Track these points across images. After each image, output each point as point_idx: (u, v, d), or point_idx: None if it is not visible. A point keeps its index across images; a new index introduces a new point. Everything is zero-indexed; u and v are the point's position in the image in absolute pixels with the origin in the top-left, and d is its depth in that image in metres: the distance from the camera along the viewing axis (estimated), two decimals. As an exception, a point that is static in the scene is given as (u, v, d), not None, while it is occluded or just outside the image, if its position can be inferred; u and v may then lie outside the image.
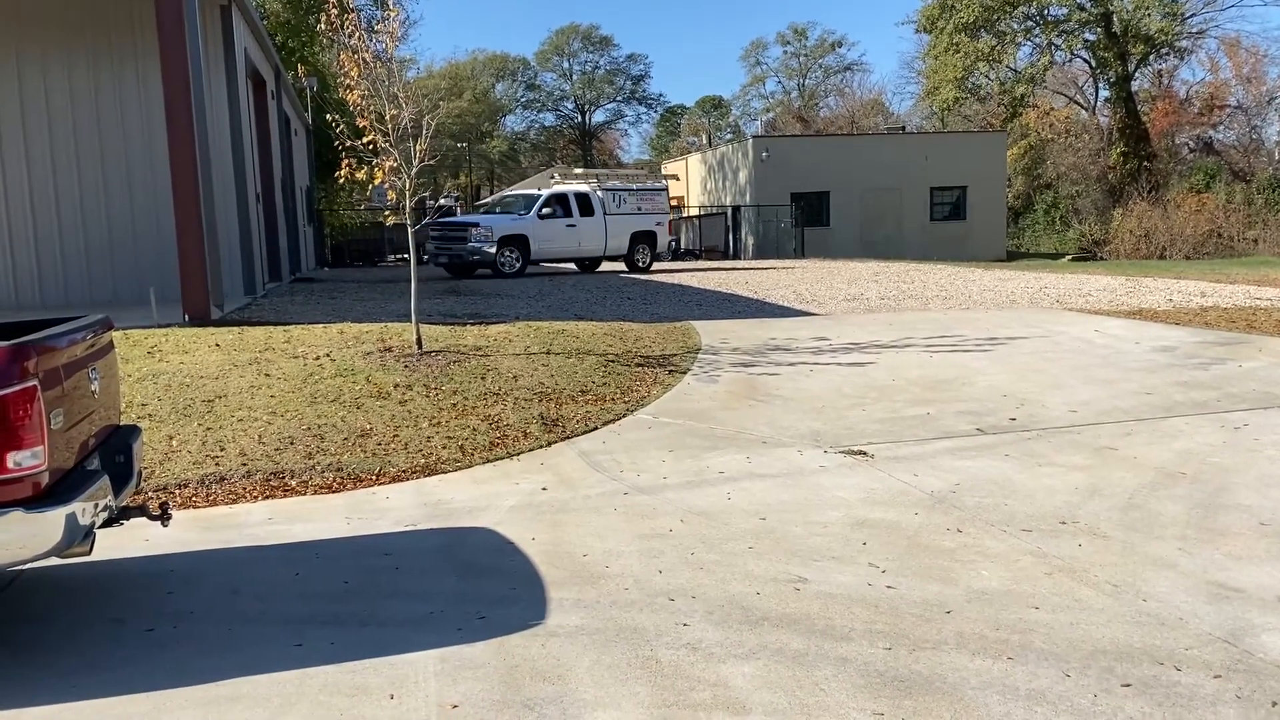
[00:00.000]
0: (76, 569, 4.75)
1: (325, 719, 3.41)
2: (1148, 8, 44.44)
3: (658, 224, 25.60)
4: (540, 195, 23.96)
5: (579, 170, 29.56)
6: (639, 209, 25.17)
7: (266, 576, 4.79)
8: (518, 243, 22.62)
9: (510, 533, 5.30)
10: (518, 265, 22.64)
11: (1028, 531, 5.15)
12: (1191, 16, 47.70)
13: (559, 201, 23.65)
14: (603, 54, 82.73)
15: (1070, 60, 51.92)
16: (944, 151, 40.34)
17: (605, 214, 24.25)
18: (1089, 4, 46.36)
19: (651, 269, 25.15)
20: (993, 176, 40.60)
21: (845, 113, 68.56)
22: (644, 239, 25.15)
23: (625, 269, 25.04)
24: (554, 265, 25.66)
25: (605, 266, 25.54)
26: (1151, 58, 48.10)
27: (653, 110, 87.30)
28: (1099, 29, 46.96)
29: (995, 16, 46.88)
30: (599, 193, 24.43)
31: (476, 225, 22.53)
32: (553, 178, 27.57)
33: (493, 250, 22.11)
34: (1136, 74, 48.67)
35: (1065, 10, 47.12)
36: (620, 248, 24.67)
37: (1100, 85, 52.18)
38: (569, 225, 23.61)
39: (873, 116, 64.85)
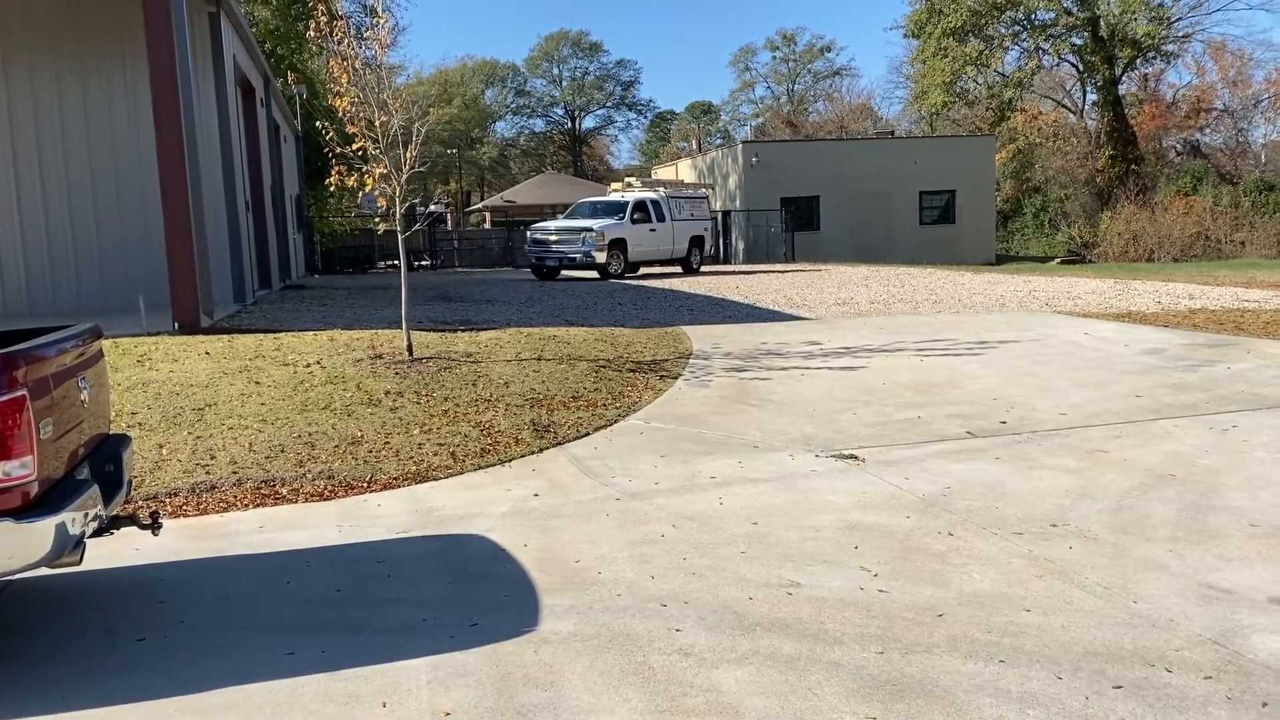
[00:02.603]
0: (67, 579, 4.73)
1: (318, 728, 3.39)
2: (1134, 12, 44.68)
3: (705, 229, 27.33)
4: (628, 201, 25.06)
5: (630, 179, 30.50)
6: (692, 215, 26.75)
7: (258, 585, 4.77)
8: (620, 246, 23.55)
9: (502, 539, 5.30)
10: (620, 268, 23.56)
11: (1019, 534, 5.16)
12: (1178, 20, 48.03)
13: (641, 208, 24.79)
14: (592, 60, 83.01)
15: (1058, 64, 52.19)
16: (933, 155, 40.46)
17: (672, 219, 25.61)
18: (1076, 8, 46.57)
19: (701, 270, 26.51)
20: (981, 180, 40.75)
21: (834, 117, 68.85)
22: (696, 243, 26.64)
23: (618, 275, 25.53)
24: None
25: (594, 273, 25.76)
26: (1138, 61, 48.35)
27: (642, 116, 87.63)
28: (1086, 33, 47.17)
29: (983, 21, 47.08)
30: (666, 200, 25.70)
31: (590, 230, 23.27)
32: (628, 185, 28.72)
33: (603, 255, 22.99)
34: (1124, 78, 48.90)
35: (1052, 15, 47.34)
36: (681, 251, 26.10)
37: (1088, 89, 52.43)
38: (650, 230, 24.87)
39: (862, 121, 65.07)
